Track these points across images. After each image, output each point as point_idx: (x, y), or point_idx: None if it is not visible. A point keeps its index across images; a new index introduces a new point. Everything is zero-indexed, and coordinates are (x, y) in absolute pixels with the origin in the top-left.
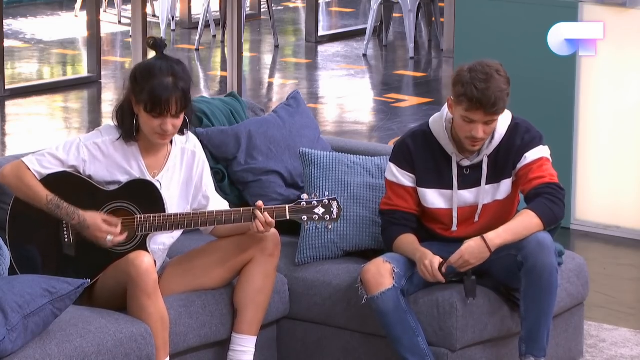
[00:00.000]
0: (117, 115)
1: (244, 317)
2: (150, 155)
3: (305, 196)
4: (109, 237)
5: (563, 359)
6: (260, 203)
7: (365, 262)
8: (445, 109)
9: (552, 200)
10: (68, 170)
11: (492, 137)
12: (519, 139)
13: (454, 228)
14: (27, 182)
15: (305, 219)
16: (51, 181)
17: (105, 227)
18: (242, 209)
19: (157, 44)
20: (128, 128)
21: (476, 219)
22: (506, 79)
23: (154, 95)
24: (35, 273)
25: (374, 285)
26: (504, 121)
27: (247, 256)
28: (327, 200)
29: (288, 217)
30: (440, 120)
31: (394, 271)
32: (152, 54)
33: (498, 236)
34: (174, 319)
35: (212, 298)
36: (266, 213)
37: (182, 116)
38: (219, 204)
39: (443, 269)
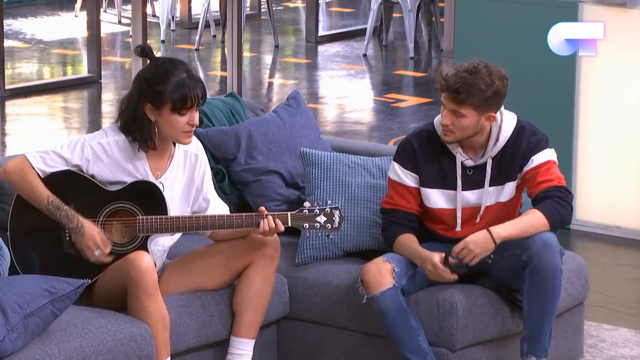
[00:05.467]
0: (130, 129)
1: (242, 320)
2: (154, 157)
3: (307, 204)
4: (97, 252)
5: (563, 359)
6: (262, 208)
7: (366, 262)
8: None
9: (560, 203)
10: (71, 169)
11: (497, 139)
12: (525, 142)
13: (458, 228)
14: (29, 181)
15: (307, 227)
16: (54, 179)
17: (99, 241)
18: (244, 214)
19: (147, 50)
20: (148, 136)
21: (477, 220)
22: (492, 86)
23: (180, 90)
24: (35, 273)
25: (374, 285)
26: (509, 123)
27: (247, 259)
28: (329, 209)
29: (290, 224)
30: None
31: (394, 271)
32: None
33: (504, 229)
34: (174, 319)
35: (212, 298)
36: (270, 217)
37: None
38: (219, 206)
39: (450, 260)
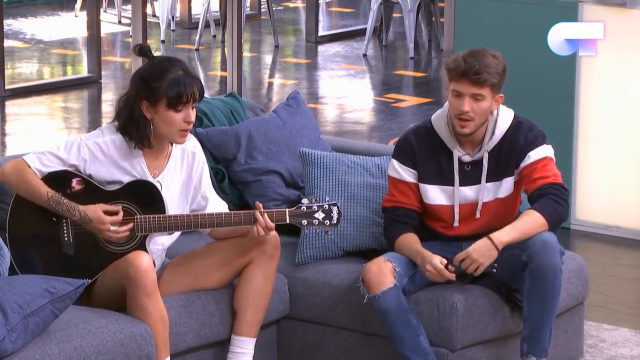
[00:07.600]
0: (127, 128)
1: (243, 319)
2: (151, 155)
3: (305, 200)
4: (112, 227)
5: (563, 359)
6: (259, 204)
7: (366, 262)
8: (447, 105)
9: (556, 200)
10: (68, 169)
11: (493, 133)
12: (522, 138)
13: (456, 224)
14: (27, 179)
15: (305, 224)
16: (51, 180)
17: (107, 218)
18: (242, 211)
19: (146, 49)
20: (144, 134)
21: (477, 215)
22: (500, 64)
23: (175, 86)
24: (35, 273)
25: (375, 285)
26: (505, 118)
27: (247, 258)
28: (327, 205)
29: (288, 221)
30: (442, 115)
31: (395, 270)
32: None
33: (505, 234)
34: (173, 319)
35: (212, 298)
36: (266, 217)
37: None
38: (217, 204)
39: (450, 269)
